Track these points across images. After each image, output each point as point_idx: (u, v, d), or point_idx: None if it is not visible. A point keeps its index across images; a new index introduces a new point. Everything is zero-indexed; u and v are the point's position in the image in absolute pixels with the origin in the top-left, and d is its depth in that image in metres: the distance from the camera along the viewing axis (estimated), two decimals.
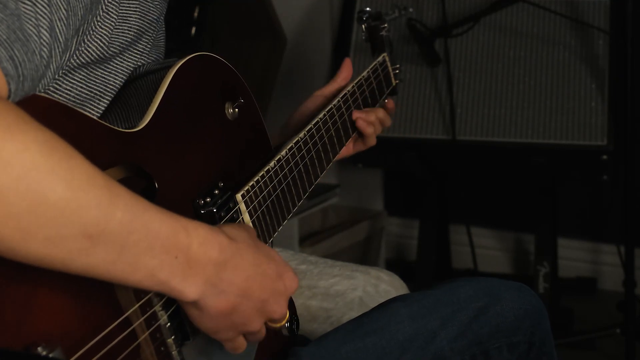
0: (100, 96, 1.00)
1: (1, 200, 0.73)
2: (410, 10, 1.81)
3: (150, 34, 1.07)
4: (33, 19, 0.86)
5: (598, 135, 2.39)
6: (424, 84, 2.58)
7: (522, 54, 2.51)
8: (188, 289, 0.87)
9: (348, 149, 1.44)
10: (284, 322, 1.00)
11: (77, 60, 0.96)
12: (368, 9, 1.60)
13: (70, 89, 0.97)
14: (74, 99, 0.97)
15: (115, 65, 1.01)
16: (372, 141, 1.45)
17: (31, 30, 0.85)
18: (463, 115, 2.52)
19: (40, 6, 0.87)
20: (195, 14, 2.26)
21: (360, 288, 1.50)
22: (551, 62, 2.48)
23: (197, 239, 0.87)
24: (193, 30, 2.28)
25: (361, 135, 1.43)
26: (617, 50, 2.42)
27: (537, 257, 2.61)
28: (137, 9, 1.04)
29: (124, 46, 1.01)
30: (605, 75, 2.43)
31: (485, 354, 1.14)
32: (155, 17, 1.07)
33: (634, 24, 2.22)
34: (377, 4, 2.64)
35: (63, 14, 0.90)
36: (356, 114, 1.41)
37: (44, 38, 0.87)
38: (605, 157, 2.39)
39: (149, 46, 1.07)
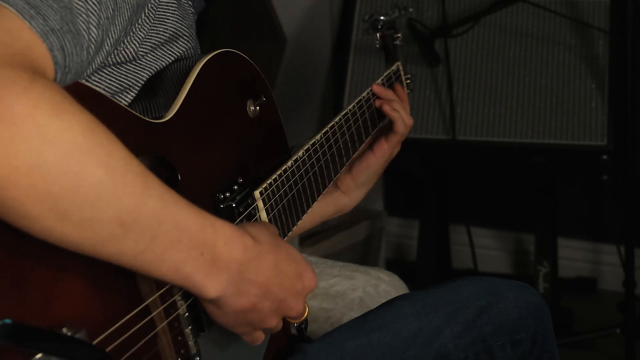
0: (129, 90, 1.02)
1: (43, 177, 0.74)
2: (410, 10, 1.81)
3: (187, 40, 1.08)
4: (84, 15, 0.87)
5: (598, 135, 2.40)
6: (424, 84, 2.58)
7: (522, 54, 2.51)
8: (210, 286, 0.88)
9: (383, 149, 1.42)
10: (304, 316, 1.01)
11: (113, 59, 0.98)
12: (382, 17, 1.60)
13: (99, 82, 0.98)
14: (103, 92, 0.98)
15: (147, 62, 1.03)
16: (401, 127, 1.41)
17: (81, 25, 0.87)
18: (463, 115, 2.52)
19: (91, 3, 0.88)
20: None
21: (360, 288, 1.50)
22: (551, 62, 2.48)
23: (223, 238, 0.88)
24: None
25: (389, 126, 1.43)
26: (617, 50, 2.42)
27: (537, 257, 2.61)
28: (175, 12, 1.05)
29: (156, 45, 1.03)
30: (605, 75, 2.43)
31: (488, 351, 1.14)
32: (190, 23, 1.09)
33: (634, 24, 2.22)
34: (377, 4, 2.64)
35: (110, 13, 0.91)
36: (379, 102, 1.42)
37: (92, 35, 0.88)
38: (605, 157, 2.39)
39: (187, 52, 1.08)
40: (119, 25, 0.94)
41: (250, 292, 0.91)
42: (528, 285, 1.20)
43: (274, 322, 0.97)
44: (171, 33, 1.05)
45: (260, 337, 0.99)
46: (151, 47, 1.02)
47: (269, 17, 2.56)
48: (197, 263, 0.86)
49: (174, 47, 1.06)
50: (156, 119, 0.97)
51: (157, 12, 1.02)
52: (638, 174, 2.38)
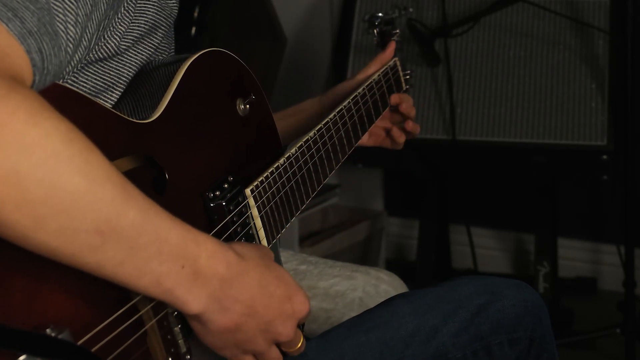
0: (113, 87, 1.01)
1: (19, 185, 0.73)
2: (410, 10, 1.81)
3: (164, 29, 1.07)
4: (61, 15, 0.87)
5: (598, 135, 2.40)
6: (424, 84, 2.58)
7: (522, 54, 2.51)
8: (192, 301, 0.86)
9: (377, 142, 1.57)
10: (298, 346, 0.99)
11: (96, 55, 0.97)
12: (380, 14, 1.61)
13: (86, 81, 0.98)
14: (89, 91, 0.98)
15: (128, 57, 1.02)
16: (399, 147, 1.56)
17: (59, 26, 0.86)
18: (463, 115, 2.52)
19: (68, 2, 0.88)
20: (195, 14, 2.26)
21: (360, 288, 1.50)
22: (551, 62, 2.48)
23: (206, 252, 0.87)
24: (193, 30, 2.28)
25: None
26: (617, 50, 2.42)
27: (537, 257, 2.61)
28: (155, 3, 1.04)
29: (137, 38, 1.02)
30: (605, 75, 2.43)
31: (486, 349, 1.14)
32: (169, 13, 1.08)
33: (634, 24, 2.22)
34: (377, 4, 2.64)
35: (88, 9, 0.91)
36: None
37: (70, 34, 0.88)
38: (605, 157, 2.39)
39: (163, 41, 1.08)
40: (95, 20, 0.93)
41: (234, 309, 0.90)
42: (527, 284, 1.20)
43: (262, 345, 0.95)
44: (151, 25, 1.04)
45: None
46: (133, 40, 1.01)
47: (269, 17, 2.56)
48: (178, 277, 0.84)
49: (154, 39, 1.05)
50: (142, 119, 0.96)
51: (137, 4, 1.01)
52: (638, 174, 2.37)
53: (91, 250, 0.79)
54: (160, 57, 1.07)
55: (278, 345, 0.98)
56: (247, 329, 0.92)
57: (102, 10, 0.94)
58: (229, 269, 0.89)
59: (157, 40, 1.06)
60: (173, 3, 1.11)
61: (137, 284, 0.83)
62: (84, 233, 0.78)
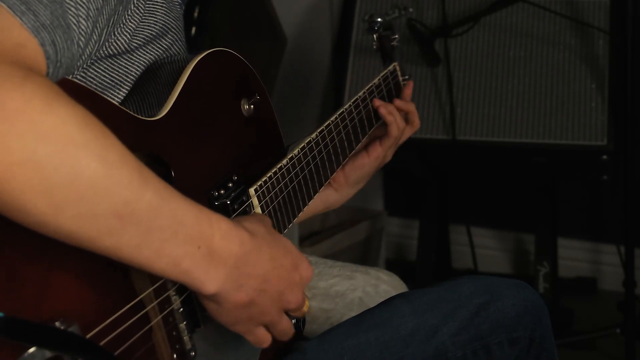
0: (121, 85, 1.02)
1: (38, 172, 0.74)
2: (410, 10, 1.81)
3: (174, 32, 1.08)
4: (73, 8, 0.88)
5: (598, 135, 2.39)
6: (424, 84, 2.58)
7: (522, 54, 2.51)
8: (209, 281, 0.88)
9: (377, 152, 1.45)
10: (304, 308, 1.01)
11: (106, 51, 0.98)
12: (379, 19, 1.61)
13: (94, 77, 0.99)
14: (96, 87, 0.99)
15: (138, 56, 1.03)
16: (395, 131, 1.44)
17: (71, 19, 0.87)
18: (463, 115, 2.52)
19: None
20: (195, 14, 2.26)
21: (360, 288, 1.50)
22: (551, 62, 2.48)
23: (220, 232, 0.88)
24: (193, 30, 2.28)
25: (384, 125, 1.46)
26: (617, 50, 2.42)
27: (537, 257, 2.61)
28: (164, 4, 1.06)
29: (148, 39, 1.03)
30: (605, 75, 2.43)
31: (486, 349, 1.14)
32: (177, 15, 1.09)
33: (634, 24, 2.22)
34: (377, 4, 2.64)
35: (99, 3, 0.92)
36: (377, 102, 1.45)
37: (82, 27, 0.89)
38: (605, 157, 2.39)
39: (174, 44, 1.09)
40: (105, 15, 0.94)
41: (249, 285, 0.91)
42: (526, 284, 1.20)
43: (275, 315, 0.97)
44: (161, 26, 1.05)
45: (264, 336, 0.98)
46: (144, 40, 1.03)
47: (269, 17, 2.56)
48: (194, 258, 0.86)
49: (164, 41, 1.06)
50: (148, 117, 0.97)
51: (147, 4, 1.03)
52: (638, 174, 2.37)
53: (110, 233, 0.80)
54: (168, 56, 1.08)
55: (286, 312, 1.00)
56: (261, 302, 0.94)
57: (112, 5, 0.95)
58: (242, 247, 0.90)
59: (168, 43, 1.07)
60: (178, 5, 1.11)
61: (155, 266, 0.84)
62: (102, 217, 0.79)
